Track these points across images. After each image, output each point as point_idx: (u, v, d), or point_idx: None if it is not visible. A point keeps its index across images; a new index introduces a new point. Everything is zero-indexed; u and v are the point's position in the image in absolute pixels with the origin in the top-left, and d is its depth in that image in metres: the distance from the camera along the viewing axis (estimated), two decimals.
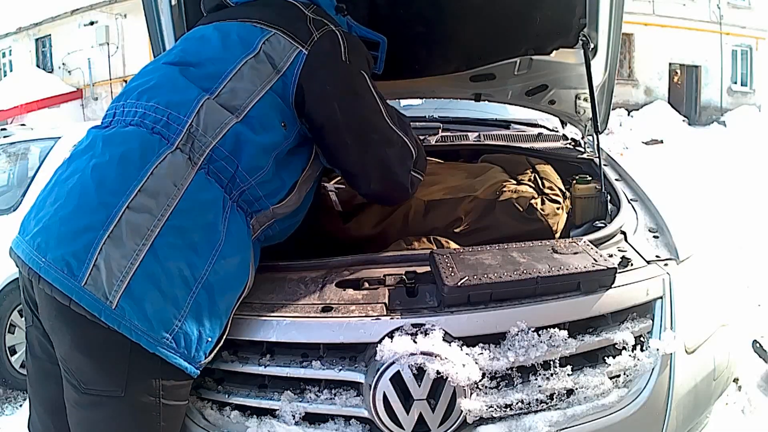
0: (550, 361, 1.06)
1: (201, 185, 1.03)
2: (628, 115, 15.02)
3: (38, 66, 18.11)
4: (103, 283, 0.91)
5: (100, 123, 1.13)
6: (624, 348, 1.10)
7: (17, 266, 1.02)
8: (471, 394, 1.02)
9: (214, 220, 1.03)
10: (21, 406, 2.76)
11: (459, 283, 1.04)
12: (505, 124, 2.62)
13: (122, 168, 0.99)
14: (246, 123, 1.08)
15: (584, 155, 1.96)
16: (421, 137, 2.19)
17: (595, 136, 1.80)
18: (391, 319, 1.05)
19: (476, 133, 2.33)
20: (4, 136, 4.34)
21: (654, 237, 1.38)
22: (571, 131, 2.40)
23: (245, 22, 1.16)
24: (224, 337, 1.05)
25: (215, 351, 1.03)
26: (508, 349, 1.04)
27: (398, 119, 1.25)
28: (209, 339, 1.00)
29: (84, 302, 0.91)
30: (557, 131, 2.47)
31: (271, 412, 1.07)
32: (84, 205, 0.96)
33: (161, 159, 1.01)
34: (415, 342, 1.00)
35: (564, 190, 1.64)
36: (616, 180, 1.71)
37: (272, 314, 1.10)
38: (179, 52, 1.18)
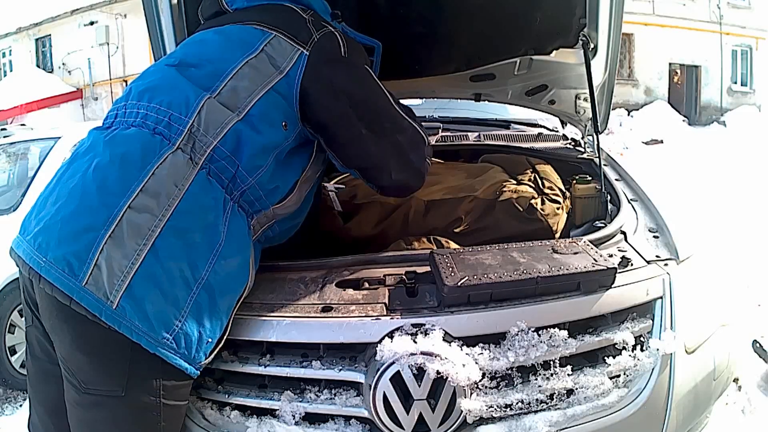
0: (550, 361, 1.06)
1: (202, 186, 1.03)
2: (628, 115, 15.01)
3: (38, 66, 18.09)
4: (104, 283, 0.91)
5: (102, 124, 1.13)
6: (624, 348, 1.10)
7: (18, 266, 1.02)
8: (471, 394, 1.02)
9: (214, 221, 1.03)
10: (21, 406, 2.76)
11: (459, 283, 1.04)
12: (505, 124, 2.62)
13: (123, 168, 0.99)
14: (246, 122, 1.08)
15: (584, 155, 1.96)
16: None
17: (595, 136, 1.81)
18: (391, 319, 1.05)
19: (476, 133, 2.33)
20: (4, 136, 4.34)
21: (654, 237, 1.38)
22: (571, 131, 2.40)
23: (246, 25, 1.17)
24: (224, 337, 1.05)
25: (215, 351, 1.03)
26: (508, 349, 1.04)
27: (404, 108, 1.26)
28: (209, 340, 1.00)
29: (84, 302, 0.91)
30: (557, 131, 2.47)
31: (271, 412, 1.07)
32: (85, 206, 0.97)
33: (162, 159, 1.01)
34: (415, 342, 1.00)
35: (564, 190, 1.64)
36: (616, 180, 1.71)
37: (272, 314, 1.10)
38: (180, 55, 1.19)
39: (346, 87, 1.15)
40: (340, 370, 1.05)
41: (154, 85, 1.11)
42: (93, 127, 1.13)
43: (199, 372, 1.01)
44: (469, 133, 2.34)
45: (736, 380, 2.11)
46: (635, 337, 1.12)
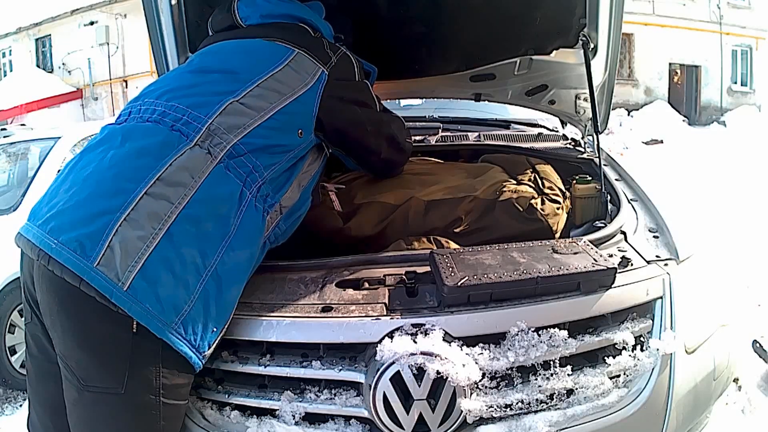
0: (550, 361, 1.06)
1: (218, 178, 1.06)
2: (628, 115, 15.00)
3: (38, 66, 18.08)
4: (117, 265, 0.92)
5: (115, 121, 1.17)
6: (624, 348, 1.10)
7: (24, 252, 1.03)
8: (471, 394, 1.02)
9: (227, 213, 1.06)
10: (21, 406, 2.76)
11: (459, 283, 1.04)
12: (505, 124, 2.61)
13: (141, 159, 1.03)
14: (267, 126, 1.14)
15: (584, 155, 1.95)
16: (421, 137, 2.20)
17: (595, 136, 1.80)
18: (391, 319, 1.05)
19: (476, 133, 2.33)
20: (4, 136, 4.34)
21: (654, 237, 1.38)
22: (571, 131, 2.39)
23: (269, 41, 1.27)
24: (224, 329, 1.05)
25: (214, 345, 1.04)
26: (508, 349, 1.04)
27: (384, 107, 1.55)
28: (215, 329, 1.02)
29: (95, 283, 0.92)
30: (557, 131, 2.47)
31: (271, 412, 1.07)
32: (101, 191, 0.99)
33: (180, 153, 1.04)
34: (415, 342, 1.00)
35: (564, 190, 1.64)
36: (616, 180, 1.71)
37: (272, 314, 1.10)
38: (200, 63, 1.27)
39: (358, 99, 1.36)
40: (340, 370, 1.05)
41: (174, 87, 1.17)
42: (106, 123, 1.17)
43: (201, 364, 1.01)
44: (469, 133, 2.33)
45: (736, 380, 2.10)
46: (635, 337, 1.12)
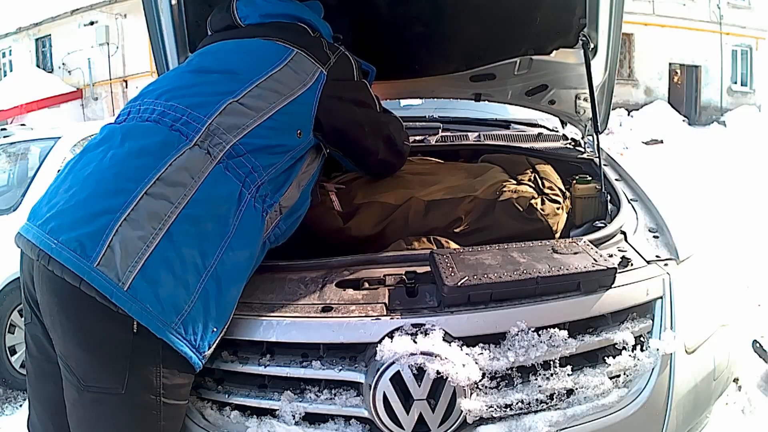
0: (550, 361, 1.06)
1: (218, 178, 1.06)
2: (628, 115, 15.00)
3: (38, 66, 18.09)
4: (117, 265, 0.92)
5: (114, 120, 1.17)
6: (624, 348, 1.10)
7: (24, 252, 1.03)
8: (471, 394, 1.02)
9: (226, 213, 1.06)
10: (21, 406, 2.76)
11: (459, 283, 1.04)
12: (505, 124, 2.61)
13: (141, 159, 1.03)
14: (266, 126, 1.14)
15: (584, 155, 1.95)
16: (421, 137, 2.20)
17: (595, 136, 1.80)
18: (391, 319, 1.05)
19: (476, 133, 2.33)
20: (4, 136, 4.34)
21: (654, 237, 1.38)
22: (571, 131, 2.39)
23: (268, 41, 1.27)
24: (225, 329, 1.05)
25: (215, 345, 1.04)
26: (508, 349, 1.04)
27: (384, 107, 1.55)
28: (215, 329, 1.02)
29: (95, 283, 0.92)
30: (557, 131, 2.47)
31: (271, 412, 1.07)
32: (101, 191, 0.99)
33: (180, 153, 1.05)
34: (415, 342, 1.00)
35: (564, 190, 1.64)
36: (616, 180, 1.71)
37: (272, 314, 1.10)
38: (199, 63, 1.27)
39: (357, 99, 1.36)
40: (340, 370, 1.05)
41: (173, 87, 1.17)
42: (106, 123, 1.17)
43: (201, 364, 1.01)
44: (469, 133, 2.33)
45: (736, 380, 2.10)
46: (635, 337, 1.12)
